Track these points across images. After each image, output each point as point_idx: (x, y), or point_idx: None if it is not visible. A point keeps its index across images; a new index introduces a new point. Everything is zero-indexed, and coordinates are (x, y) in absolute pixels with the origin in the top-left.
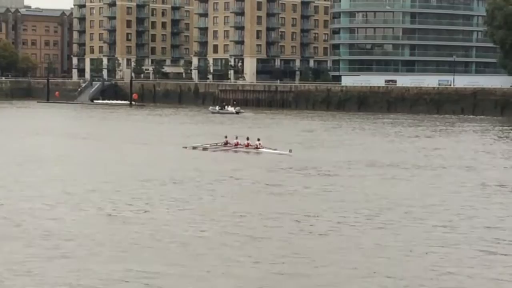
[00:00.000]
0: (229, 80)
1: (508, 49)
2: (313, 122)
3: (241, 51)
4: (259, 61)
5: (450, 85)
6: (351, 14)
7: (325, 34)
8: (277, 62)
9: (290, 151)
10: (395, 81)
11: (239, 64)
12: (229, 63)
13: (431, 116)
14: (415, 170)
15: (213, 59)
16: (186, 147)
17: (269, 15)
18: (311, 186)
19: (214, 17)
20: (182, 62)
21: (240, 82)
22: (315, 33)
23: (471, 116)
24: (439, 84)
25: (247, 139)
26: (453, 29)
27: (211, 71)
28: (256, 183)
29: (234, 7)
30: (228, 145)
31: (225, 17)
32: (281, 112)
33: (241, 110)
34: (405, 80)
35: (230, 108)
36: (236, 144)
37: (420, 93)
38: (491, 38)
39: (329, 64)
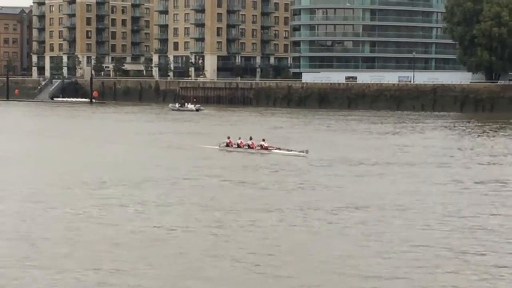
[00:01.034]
0: (189, 78)
1: (467, 46)
2: (280, 119)
3: (201, 48)
4: (219, 58)
5: (410, 81)
6: (311, 11)
7: (285, 31)
8: (238, 59)
9: (306, 151)
10: (355, 78)
11: (200, 61)
12: (190, 60)
13: (393, 113)
14: (389, 167)
15: (174, 56)
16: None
17: (230, 12)
18: (286, 183)
19: (174, 14)
20: (142, 59)
21: (200, 79)
22: (275, 30)
23: (431, 112)
24: (399, 81)
25: (250, 138)
26: (412, 26)
27: (172, 68)
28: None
29: (194, 4)
30: (232, 145)
31: (185, 14)
32: (242, 109)
33: (201, 108)
34: (365, 77)
35: (190, 106)
36: (241, 145)
37: (381, 90)
38: (450, 35)
39: (290, 61)
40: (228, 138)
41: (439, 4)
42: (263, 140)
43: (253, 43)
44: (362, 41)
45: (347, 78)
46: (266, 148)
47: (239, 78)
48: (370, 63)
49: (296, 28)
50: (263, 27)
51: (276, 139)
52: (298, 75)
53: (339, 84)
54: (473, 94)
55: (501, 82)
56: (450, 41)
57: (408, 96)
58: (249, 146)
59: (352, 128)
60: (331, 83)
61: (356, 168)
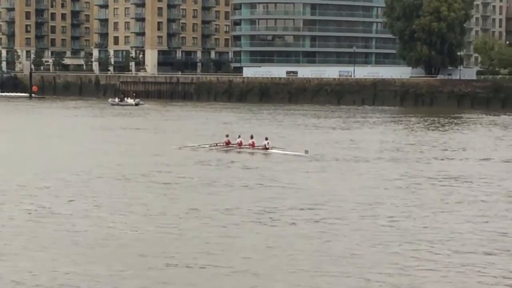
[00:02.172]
0: (130, 72)
1: (407, 40)
2: (227, 114)
3: (142, 43)
4: (160, 52)
5: (351, 76)
6: (252, 6)
7: (226, 25)
8: (179, 54)
9: (306, 152)
10: (296, 72)
11: (140, 55)
12: (130, 55)
13: (335, 107)
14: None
15: (114, 50)
16: (180, 148)
17: (170, 6)
18: (248, 179)
19: (114, 8)
20: (82, 54)
21: (141, 74)
22: (216, 25)
23: (372, 107)
24: (339, 75)
25: (251, 137)
26: (353, 21)
27: (112, 62)
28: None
29: None
30: (230, 145)
31: (125, 8)
32: (184, 104)
33: (141, 102)
34: (306, 71)
35: (130, 100)
36: (240, 144)
37: (321, 84)
38: (390, 30)
39: (231, 55)
40: (227, 136)
41: None
42: (266, 139)
43: (193, 38)
44: (302, 36)
45: (288, 72)
46: (267, 148)
47: (179, 72)
48: (310, 58)
49: (237, 23)
50: (203, 22)
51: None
52: (239, 70)
53: (280, 78)
54: (413, 88)
55: (440, 77)
56: (390, 35)
57: (348, 90)
58: (251, 146)
59: (304, 123)
60: (272, 78)
61: (319, 164)
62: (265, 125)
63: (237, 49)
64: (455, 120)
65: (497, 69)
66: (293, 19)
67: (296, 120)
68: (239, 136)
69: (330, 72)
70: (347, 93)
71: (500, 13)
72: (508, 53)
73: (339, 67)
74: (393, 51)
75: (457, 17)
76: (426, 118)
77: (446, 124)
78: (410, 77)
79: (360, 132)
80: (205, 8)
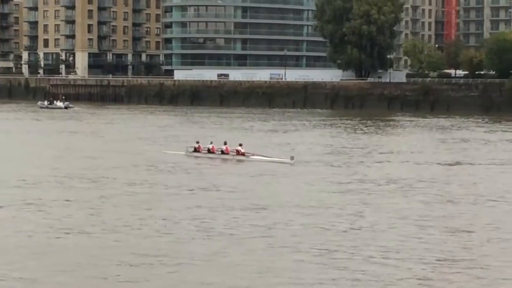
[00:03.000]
0: (60, 75)
1: (337, 43)
2: (162, 117)
3: (72, 45)
4: (90, 55)
5: (282, 79)
6: (183, 8)
7: (157, 28)
8: (109, 56)
9: (292, 158)
10: (227, 75)
11: (71, 58)
12: (60, 58)
13: (266, 110)
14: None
15: (44, 53)
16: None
17: (100, 8)
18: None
19: (44, 10)
20: (12, 56)
21: (71, 76)
22: (147, 27)
23: (303, 110)
24: (270, 78)
25: (225, 143)
26: (284, 24)
27: (42, 65)
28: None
29: (64, 0)
30: (202, 151)
31: (55, 11)
32: (115, 107)
33: (70, 105)
34: (237, 74)
35: (59, 103)
36: (212, 150)
37: (252, 87)
38: (321, 33)
39: (162, 58)
40: (197, 142)
41: (309, 2)
42: (240, 145)
43: (124, 40)
44: (233, 39)
45: (219, 75)
46: (243, 154)
47: (110, 75)
48: (242, 61)
49: (168, 25)
50: (134, 24)
51: (171, 138)
52: (170, 72)
53: (211, 81)
54: (343, 91)
55: (370, 80)
56: (320, 39)
57: (279, 93)
58: (222, 152)
59: (241, 126)
60: (203, 80)
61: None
62: (205, 128)
63: (168, 51)
64: (389, 123)
65: (426, 72)
66: (224, 22)
67: (232, 122)
68: (211, 142)
69: (261, 75)
70: (278, 96)
71: (430, 17)
72: (437, 56)
73: (270, 70)
74: (324, 54)
75: (387, 21)
76: (360, 120)
77: (382, 127)
78: (341, 80)
79: (297, 135)
80: (136, 11)
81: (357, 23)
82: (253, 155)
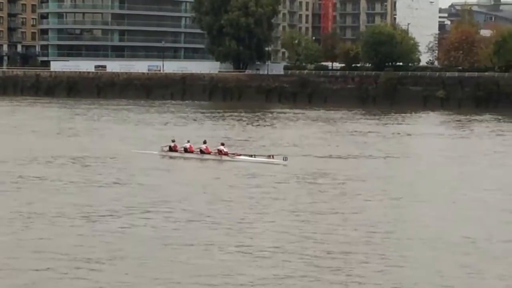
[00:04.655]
0: None
1: (215, 35)
2: (51, 109)
3: None
4: None
5: (160, 70)
6: None
7: (33, 18)
8: None
9: (285, 159)
10: (105, 67)
11: None
12: None
13: (144, 101)
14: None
15: None
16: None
17: None
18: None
19: None
20: None
21: None
22: (22, 18)
23: (181, 101)
24: (148, 70)
25: (204, 142)
26: (162, 15)
27: None
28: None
29: None
30: (179, 150)
31: None
32: None
33: None
34: (114, 66)
35: None
36: (190, 150)
37: (130, 79)
38: (199, 24)
39: (38, 49)
40: (173, 141)
41: None
42: (222, 144)
43: None
44: (111, 30)
45: (97, 66)
46: (226, 154)
47: None
48: (119, 52)
49: (44, 16)
50: (10, 15)
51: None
52: (46, 64)
53: (88, 73)
54: (221, 83)
55: (248, 72)
56: (199, 30)
57: (157, 85)
58: (202, 151)
59: (137, 119)
60: (80, 72)
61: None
62: (97, 121)
63: (45, 42)
64: (273, 116)
65: (303, 64)
66: (102, 13)
67: (125, 114)
68: (188, 141)
69: (139, 66)
70: (156, 88)
71: (307, 9)
72: (314, 49)
73: (148, 62)
74: (202, 46)
75: (265, 13)
76: (241, 113)
77: (268, 120)
78: (219, 71)
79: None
80: (11, 1)
81: (235, 15)
82: (238, 155)
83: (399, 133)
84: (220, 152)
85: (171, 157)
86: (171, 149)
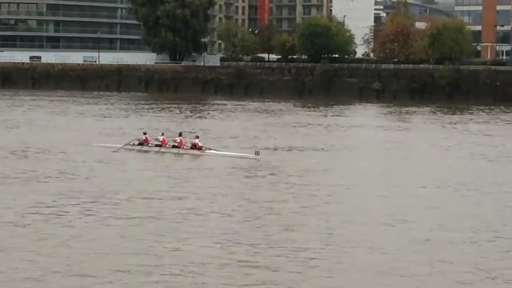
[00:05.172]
0: None
1: (152, 26)
2: None
3: None
4: None
5: (95, 61)
6: None
7: None
8: None
9: (257, 153)
10: (39, 58)
11: None
12: None
13: (77, 92)
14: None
15: None
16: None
17: None
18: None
19: None
20: None
21: None
22: None
23: (117, 93)
24: (84, 61)
25: (180, 135)
26: (97, 6)
27: None
28: None
29: None
30: (149, 144)
31: None
32: None
33: None
34: (49, 57)
35: None
36: (163, 143)
37: (65, 70)
38: (135, 15)
39: None
40: (144, 134)
41: None
42: (197, 137)
43: None
44: (46, 20)
45: (31, 57)
46: (199, 148)
47: None
48: (54, 43)
49: None
50: None
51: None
52: None
53: (23, 63)
54: (157, 74)
55: (185, 63)
56: (135, 21)
57: (93, 76)
58: (174, 146)
59: (77, 110)
60: (14, 63)
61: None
62: (38, 112)
63: None
64: (212, 107)
65: (240, 56)
66: (36, 3)
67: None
68: (162, 134)
69: (75, 57)
70: (91, 79)
71: (243, 1)
72: (251, 40)
73: (83, 53)
74: (138, 37)
75: (201, 4)
76: (180, 104)
77: (206, 111)
78: (155, 63)
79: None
80: None
81: (171, 6)
82: (210, 149)
83: (339, 125)
84: (194, 147)
85: (139, 151)
86: (141, 143)
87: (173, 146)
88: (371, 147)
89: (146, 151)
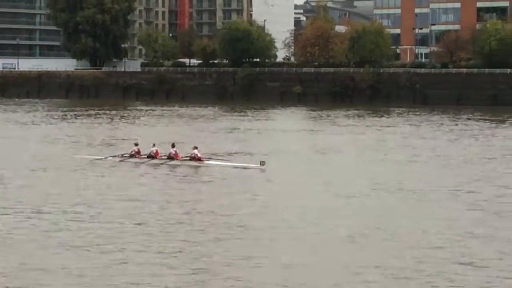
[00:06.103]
0: None
1: (71, 32)
2: None
3: None
4: None
5: (15, 68)
6: None
7: None
8: None
9: (263, 163)
10: None
11: None
12: None
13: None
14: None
15: None
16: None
17: None
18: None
19: None
20: None
21: None
22: None
23: (38, 100)
24: (3, 68)
25: (173, 146)
26: (16, 12)
27: None
28: None
29: None
30: (142, 155)
31: None
32: None
33: None
34: None
35: None
36: (155, 155)
37: None
38: (54, 21)
39: None
40: (136, 145)
41: None
42: (195, 147)
43: None
44: None
45: None
46: (199, 159)
47: None
48: None
49: None
50: None
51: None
52: None
53: None
54: (78, 80)
55: (105, 69)
56: (54, 27)
57: (12, 83)
58: (169, 157)
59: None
60: None
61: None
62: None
63: None
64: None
65: (161, 61)
66: None
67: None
68: (154, 145)
69: None
70: (11, 86)
71: (163, 6)
72: (171, 45)
73: (2, 60)
74: (58, 43)
75: (121, 10)
76: (102, 111)
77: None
78: (75, 69)
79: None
80: None
81: (91, 12)
82: (209, 159)
83: (274, 129)
84: (193, 158)
85: (134, 163)
86: (132, 155)
87: (169, 158)
88: (308, 151)
89: (137, 164)
